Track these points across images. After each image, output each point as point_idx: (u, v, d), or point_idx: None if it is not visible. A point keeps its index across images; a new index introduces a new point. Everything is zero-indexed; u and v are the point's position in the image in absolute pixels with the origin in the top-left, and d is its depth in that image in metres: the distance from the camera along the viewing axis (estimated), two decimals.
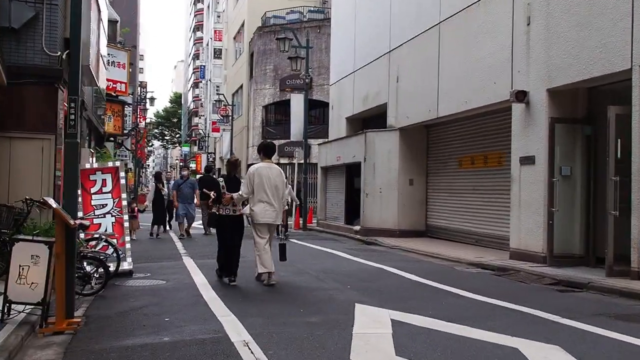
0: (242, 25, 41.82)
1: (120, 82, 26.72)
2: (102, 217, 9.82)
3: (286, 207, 9.54)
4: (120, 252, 9.33)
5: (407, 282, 9.45)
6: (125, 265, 9.66)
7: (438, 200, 17.03)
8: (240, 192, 8.78)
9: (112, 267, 8.81)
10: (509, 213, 12.37)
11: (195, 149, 69.37)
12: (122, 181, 10.03)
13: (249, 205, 8.95)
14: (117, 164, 10.30)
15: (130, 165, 39.77)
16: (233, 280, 8.85)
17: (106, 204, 9.87)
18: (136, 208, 17.04)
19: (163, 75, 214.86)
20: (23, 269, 5.78)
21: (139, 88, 45.80)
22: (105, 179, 9.90)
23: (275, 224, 8.95)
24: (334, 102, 23.61)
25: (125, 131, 31.78)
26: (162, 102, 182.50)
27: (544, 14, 11.17)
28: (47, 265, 5.82)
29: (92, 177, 9.84)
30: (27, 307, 5.96)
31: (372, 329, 6.04)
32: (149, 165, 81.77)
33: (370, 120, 20.57)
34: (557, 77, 10.76)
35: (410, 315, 6.53)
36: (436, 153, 17.20)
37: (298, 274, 9.99)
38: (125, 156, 36.48)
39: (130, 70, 30.42)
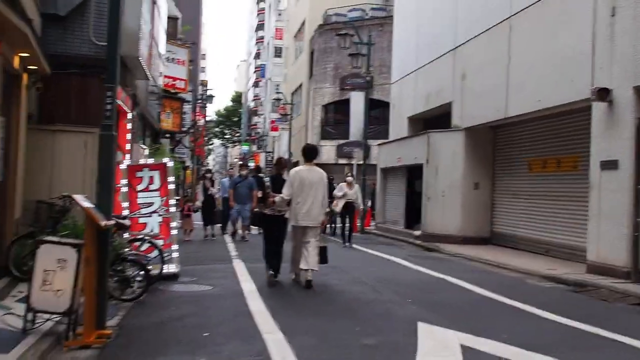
0: (303, 23, 41.30)
1: (180, 79, 26.53)
2: (148, 217, 9.33)
3: (328, 209, 9.40)
4: (165, 254, 8.81)
5: (474, 296, 8.54)
6: (171, 268, 9.15)
7: (505, 205, 15.93)
8: (282, 195, 8.74)
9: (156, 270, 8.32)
10: (584, 222, 11.28)
11: (255, 147, 69.43)
12: (171, 179, 9.52)
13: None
14: (166, 160, 9.75)
15: (189, 163, 39.83)
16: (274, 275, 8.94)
17: (153, 203, 9.36)
18: (191, 207, 16.61)
19: (226, 75, 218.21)
20: (48, 274, 5.23)
21: (200, 86, 45.95)
22: (152, 176, 9.39)
23: (314, 226, 8.79)
24: (395, 101, 22.68)
25: (183, 129, 31.64)
26: (223, 102, 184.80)
27: (631, 2, 10.03)
28: (74, 270, 5.26)
29: (138, 174, 9.34)
30: (55, 315, 5.43)
31: (439, 357, 5.21)
32: (208, 163, 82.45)
33: (432, 120, 19.55)
34: None
35: (482, 340, 5.66)
36: (504, 155, 16.10)
37: (353, 282, 9.25)
38: (184, 154, 36.45)
39: (190, 67, 30.26)
